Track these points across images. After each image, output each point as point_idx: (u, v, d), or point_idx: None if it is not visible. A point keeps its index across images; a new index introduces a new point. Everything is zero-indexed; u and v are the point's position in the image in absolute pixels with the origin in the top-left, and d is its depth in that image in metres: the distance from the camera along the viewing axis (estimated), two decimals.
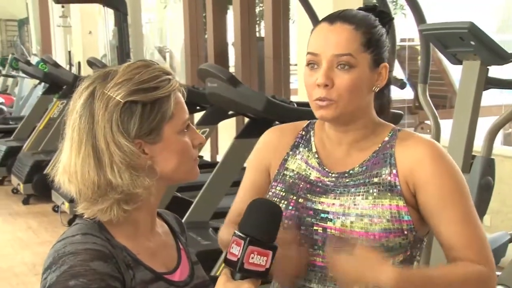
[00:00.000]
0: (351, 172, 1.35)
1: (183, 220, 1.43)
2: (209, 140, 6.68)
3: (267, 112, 3.48)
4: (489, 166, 2.40)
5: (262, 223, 1.14)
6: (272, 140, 1.46)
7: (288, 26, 5.80)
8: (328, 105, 1.29)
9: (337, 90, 1.28)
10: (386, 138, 1.36)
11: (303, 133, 1.44)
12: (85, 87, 1.15)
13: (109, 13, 7.80)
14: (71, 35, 10.54)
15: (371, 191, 1.30)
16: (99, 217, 1.15)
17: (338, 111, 1.30)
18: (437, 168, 1.29)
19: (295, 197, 1.35)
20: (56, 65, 7.02)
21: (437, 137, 2.67)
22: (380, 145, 1.35)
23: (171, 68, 9.10)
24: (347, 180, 1.34)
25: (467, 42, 2.37)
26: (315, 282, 1.32)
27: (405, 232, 1.28)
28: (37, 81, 8.79)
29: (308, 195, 1.35)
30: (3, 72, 12.49)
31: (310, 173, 1.38)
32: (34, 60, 10.67)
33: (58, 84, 7.03)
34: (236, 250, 1.11)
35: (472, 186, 2.39)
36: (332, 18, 1.31)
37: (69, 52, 10.24)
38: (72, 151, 1.14)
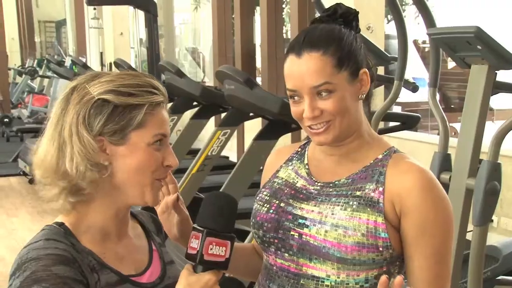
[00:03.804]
0: (336, 182, 1.36)
1: None
2: (234, 141, 6.76)
3: (283, 114, 3.51)
4: (495, 170, 2.39)
5: (217, 215, 1.19)
6: (271, 161, 1.51)
7: None
8: (325, 129, 1.31)
9: (327, 115, 1.30)
10: (380, 156, 1.36)
11: (299, 149, 1.48)
12: (72, 83, 1.23)
13: (140, 14, 7.94)
14: (103, 36, 10.75)
15: (351, 203, 1.31)
16: (53, 206, 1.20)
17: (335, 132, 1.32)
18: (424, 200, 1.28)
19: (277, 201, 1.38)
20: (85, 66, 7.21)
21: (446, 141, 2.68)
22: (372, 161, 1.36)
23: (202, 69, 9.16)
24: (331, 190, 1.35)
25: (474, 46, 2.37)
26: None
27: (380, 249, 1.28)
28: None
29: (291, 200, 1.37)
30: (40, 73, 12.82)
31: (297, 181, 1.40)
32: (69, 60, 10.92)
33: None
34: (195, 244, 1.16)
35: (478, 190, 2.39)
36: (298, 49, 1.30)
37: (101, 53, 10.44)
38: (44, 136, 1.21)
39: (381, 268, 1.30)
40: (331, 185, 1.36)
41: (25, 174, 7.47)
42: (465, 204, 2.48)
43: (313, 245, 1.30)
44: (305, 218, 1.32)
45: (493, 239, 3.51)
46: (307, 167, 1.42)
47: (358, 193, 1.31)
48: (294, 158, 1.46)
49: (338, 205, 1.31)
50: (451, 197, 2.50)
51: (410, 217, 1.28)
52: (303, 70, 1.30)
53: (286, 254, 1.34)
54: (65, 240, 1.17)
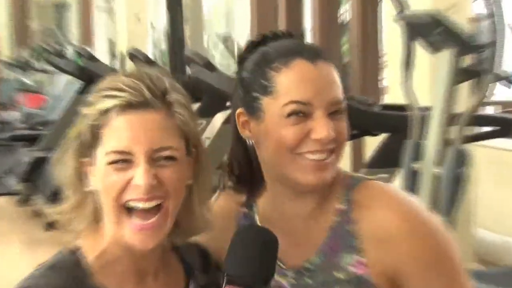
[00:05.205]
0: (308, 266, 1.33)
1: None
2: None
3: None
4: None
5: (244, 258, 1.17)
6: (221, 229, 1.36)
7: (377, 8, 5.78)
8: (329, 161, 1.28)
9: (338, 140, 1.29)
10: (342, 206, 1.33)
11: (246, 210, 1.41)
12: None
13: None
14: (115, 20, 10.88)
15: None
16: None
17: (334, 167, 1.30)
18: (420, 247, 1.29)
19: None
20: (92, 58, 7.24)
21: None
22: (335, 217, 1.32)
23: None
24: (308, 279, 1.33)
25: (439, 31, 2.69)
26: None
27: None
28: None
29: None
30: (36, 65, 12.93)
31: None
32: (72, 50, 11.05)
33: (95, 81, 7.22)
34: None
35: None
36: (311, 56, 1.30)
37: (112, 41, 10.56)
38: None
39: None
40: (304, 271, 1.32)
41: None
42: None
43: None
44: None
45: None
46: None
47: (339, 275, 1.29)
48: None
49: None
50: None
51: (414, 283, 1.29)
52: (321, 79, 1.29)
53: None
54: (71, 272, 1.20)
